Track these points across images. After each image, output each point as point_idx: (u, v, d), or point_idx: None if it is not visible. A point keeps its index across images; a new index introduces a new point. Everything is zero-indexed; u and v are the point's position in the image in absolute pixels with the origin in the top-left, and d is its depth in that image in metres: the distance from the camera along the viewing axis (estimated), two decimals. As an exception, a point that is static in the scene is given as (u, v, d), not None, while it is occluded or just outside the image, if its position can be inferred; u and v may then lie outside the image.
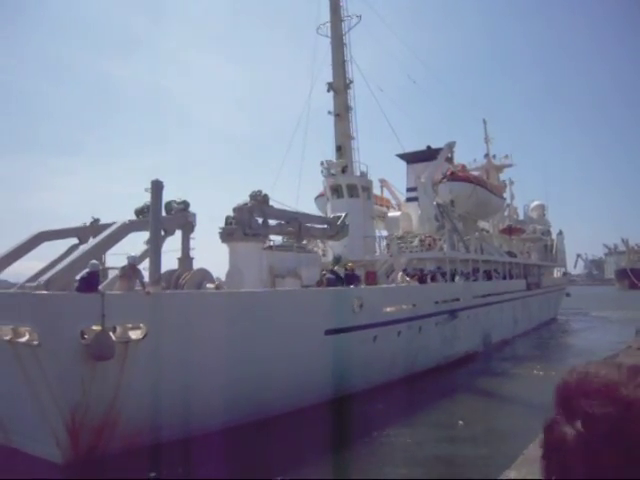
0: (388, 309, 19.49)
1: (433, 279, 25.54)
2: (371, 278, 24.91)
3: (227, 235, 16.86)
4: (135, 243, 16.59)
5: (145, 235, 16.69)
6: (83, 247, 15.84)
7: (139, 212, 17.05)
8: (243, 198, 17.76)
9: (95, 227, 17.71)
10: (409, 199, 37.47)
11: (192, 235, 16.62)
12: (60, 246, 17.57)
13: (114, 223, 15.20)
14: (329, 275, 18.37)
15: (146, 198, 13.99)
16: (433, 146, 37.34)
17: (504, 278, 36.17)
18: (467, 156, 47.07)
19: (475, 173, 41.44)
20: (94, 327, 10.52)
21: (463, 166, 39.02)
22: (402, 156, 39.24)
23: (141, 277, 12.84)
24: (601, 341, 30.78)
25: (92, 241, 14.23)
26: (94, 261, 12.23)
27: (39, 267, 16.18)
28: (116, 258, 16.73)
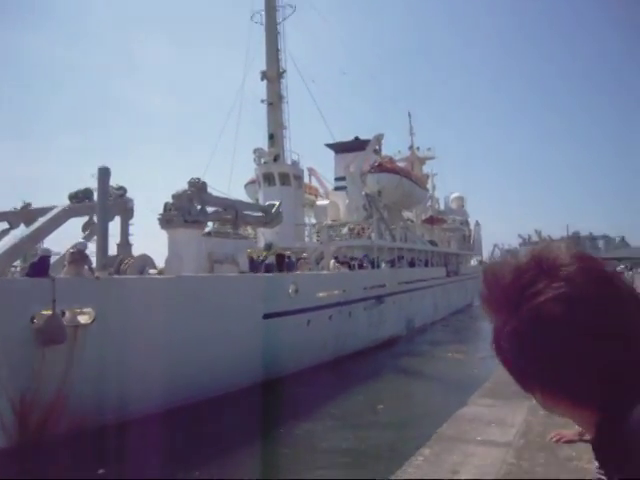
0: (321, 294, 20.30)
1: (361, 266, 26.66)
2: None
3: (166, 222, 17.09)
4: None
5: (81, 220, 16.78)
6: (17, 232, 15.75)
7: (73, 197, 16.96)
8: (168, 184, 17.94)
9: (26, 212, 17.50)
10: (337, 188, 38.50)
11: (131, 221, 16.83)
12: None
13: (51, 208, 15.14)
14: (268, 261, 19.00)
15: (70, 183, 14.00)
16: (361, 137, 38.50)
17: (426, 266, 37.95)
18: (393, 148, 48.66)
19: (400, 164, 42.99)
20: (44, 312, 10.70)
21: (390, 158, 40.37)
22: (331, 146, 40.13)
23: (89, 262, 13.00)
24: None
25: (33, 225, 14.14)
26: (46, 247, 12.32)
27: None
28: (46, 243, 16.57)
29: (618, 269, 28.50)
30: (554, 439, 4.64)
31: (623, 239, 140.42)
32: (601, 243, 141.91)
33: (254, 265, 18.69)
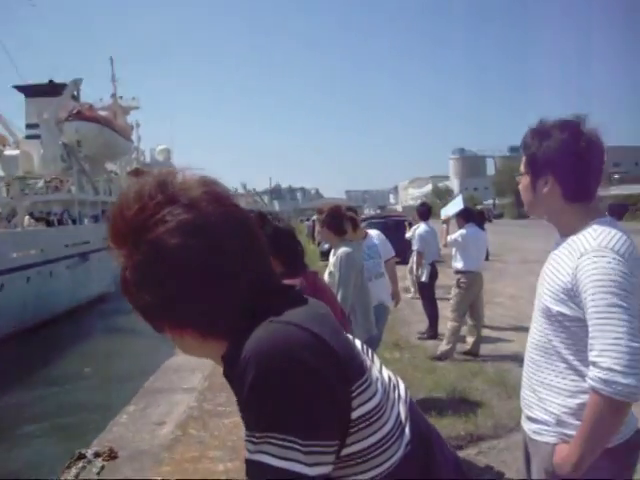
0: (15, 255, 18.80)
1: (60, 222, 25.08)
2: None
3: None
4: None
5: None
6: None
7: None
8: None
9: None
10: (29, 136, 35.07)
11: None
12: None
13: None
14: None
15: None
16: (57, 81, 35.40)
17: (134, 219, 37.15)
18: (94, 95, 45.50)
19: (102, 113, 40.76)
20: None
21: (90, 105, 38.18)
22: (21, 88, 36.42)
23: None
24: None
25: None
26: None
27: None
28: None
29: (314, 217, 31.85)
30: None
31: (317, 191, 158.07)
32: (299, 194, 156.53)
33: None
